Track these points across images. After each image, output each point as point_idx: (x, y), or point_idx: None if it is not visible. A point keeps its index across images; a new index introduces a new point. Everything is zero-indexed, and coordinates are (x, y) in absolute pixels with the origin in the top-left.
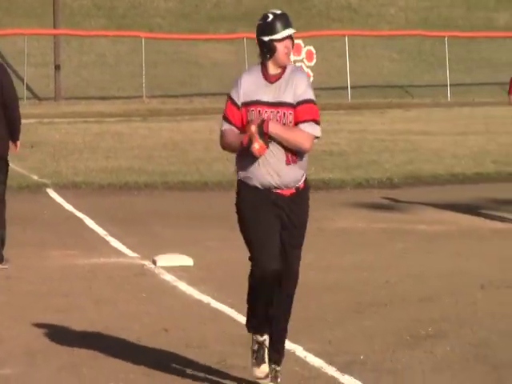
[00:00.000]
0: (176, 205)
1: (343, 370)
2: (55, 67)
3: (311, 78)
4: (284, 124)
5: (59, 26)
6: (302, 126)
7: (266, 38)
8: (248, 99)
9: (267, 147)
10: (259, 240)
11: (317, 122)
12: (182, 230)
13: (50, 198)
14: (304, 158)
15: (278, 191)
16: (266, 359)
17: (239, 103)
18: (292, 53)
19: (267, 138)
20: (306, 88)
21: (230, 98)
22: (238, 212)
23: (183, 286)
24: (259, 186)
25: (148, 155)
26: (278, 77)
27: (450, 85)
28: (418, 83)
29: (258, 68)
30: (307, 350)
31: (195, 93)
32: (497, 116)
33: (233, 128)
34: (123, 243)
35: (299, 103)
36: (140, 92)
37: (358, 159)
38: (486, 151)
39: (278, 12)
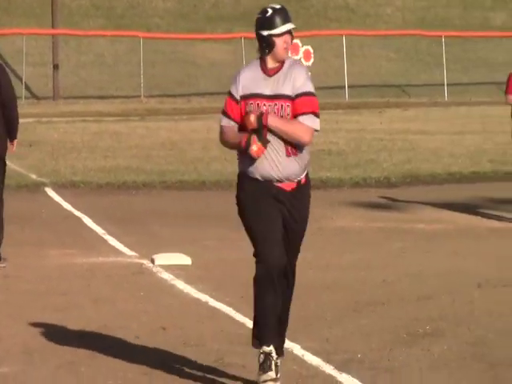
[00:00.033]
0: (174, 204)
1: (341, 368)
2: (53, 67)
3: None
4: (282, 116)
5: (58, 26)
6: (301, 118)
7: (265, 33)
8: (247, 92)
9: (265, 148)
10: (262, 235)
11: (316, 115)
12: (180, 229)
13: (49, 197)
14: (304, 151)
15: (279, 185)
16: (273, 367)
17: (238, 97)
18: (290, 52)
19: (266, 131)
20: (305, 81)
21: (230, 94)
22: (239, 204)
23: (181, 285)
24: (260, 179)
25: (146, 154)
26: (277, 70)
27: (447, 84)
28: (415, 83)
29: (257, 62)
30: (305, 348)
31: (193, 92)
32: (493, 115)
33: (231, 124)
34: (121, 242)
35: (298, 95)
36: (138, 92)
37: (356, 158)
38: (483, 150)
39: (278, 6)
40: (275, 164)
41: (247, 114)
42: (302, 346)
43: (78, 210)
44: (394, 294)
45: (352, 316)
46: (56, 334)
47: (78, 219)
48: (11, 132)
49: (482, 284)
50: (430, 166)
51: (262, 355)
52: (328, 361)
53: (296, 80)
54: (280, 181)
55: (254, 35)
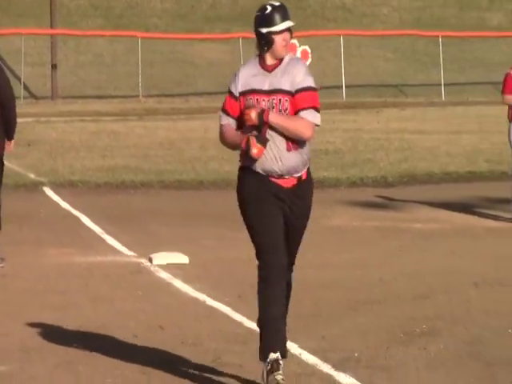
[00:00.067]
0: (172, 203)
1: (338, 367)
2: (52, 66)
3: None
4: (280, 110)
5: (56, 26)
6: (302, 113)
7: (264, 30)
8: (246, 88)
9: (265, 147)
10: (265, 242)
11: (317, 110)
12: (178, 228)
13: (47, 196)
14: (305, 146)
15: (280, 183)
16: (281, 370)
17: (237, 94)
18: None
19: (266, 128)
20: (305, 76)
21: (229, 92)
22: (241, 203)
23: (179, 284)
24: (262, 172)
25: (144, 154)
26: (275, 66)
27: (444, 84)
28: (412, 82)
29: (256, 60)
30: (302, 347)
31: (191, 92)
32: (490, 115)
33: (231, 121)
34: (119, 241)
35: (298, 91)
36: (136, 91)
37: (353, 158)
38: (480, 150)
39: (277, 4)
40: (276, 159)
41: (248, 108)
42: (299, 345)
43: (76, 210)
44: (391, 293)
45: (349, 314)
46: (54, 332)
47: (76, 218)
48: (9, 132)
49: (479, 283)
50: (427, 166)
51: (269, 364)
52: (325, 359)
53: (296, 76)
54: (281, 175)
55: (251, 35)
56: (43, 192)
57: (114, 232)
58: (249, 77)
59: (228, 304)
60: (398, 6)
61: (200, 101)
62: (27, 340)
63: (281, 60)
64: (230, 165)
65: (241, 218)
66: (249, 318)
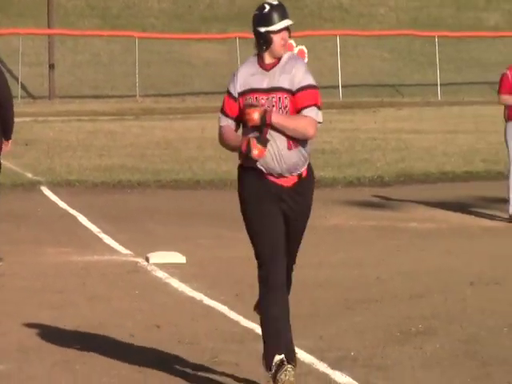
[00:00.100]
0: (169, 203)
1: (334, 366)
2: (49, 66)
3: None
4: (280, 108)
5: (54, 26)
6: (304, 112)
7: (263, 30)
8: (245, 88)
9: (266, 148)
10: (266, 249)
11: (318, 107)
12: (175, 227)
13: (44, 195)
14: (306, 143)
15: (280, 182)
16: (289, 370)
17: (236, 95)
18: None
19: (268, 129)
20: (305, 74)
21: (228, 92)
22: (241, 201)
23: (176, 283)
24: (263, 170)
25: (141, 154)
26: (274, 64)
27: (440, 84)
28: (409, 82)
29: (254, 59)
30: (299, 346)
31: (188, 92)
32: (486, 115)
33: (230, 122)
34: (116, 240)
35: (299, 90)
36: (133, 91)
37: (349, 157)
38: (476, 150)
39: (275, 3)
40: (277, 158)
41: (249, 107)
42: (295, 344)
43: (74, 209)
44: (388, 292)
45: (345, 314)
46: (51, 331)
47: (74, 218)
48: (6, 132)
49: (475, 282)
50: (424, 165)
51: (274, 367)
52: (322, 358)
53: (295, 75)
54: (281, 174)
55: (248, 35)
56: (40, 191)
57: (111, 231)
58: (247, 76)
59: (225, 303)
60: (394, 5)
61: (197, 100)
62: (25, 340)
63: (279, 59)
64: (227, 164)
65: (237, 218)
66: (245, 317)
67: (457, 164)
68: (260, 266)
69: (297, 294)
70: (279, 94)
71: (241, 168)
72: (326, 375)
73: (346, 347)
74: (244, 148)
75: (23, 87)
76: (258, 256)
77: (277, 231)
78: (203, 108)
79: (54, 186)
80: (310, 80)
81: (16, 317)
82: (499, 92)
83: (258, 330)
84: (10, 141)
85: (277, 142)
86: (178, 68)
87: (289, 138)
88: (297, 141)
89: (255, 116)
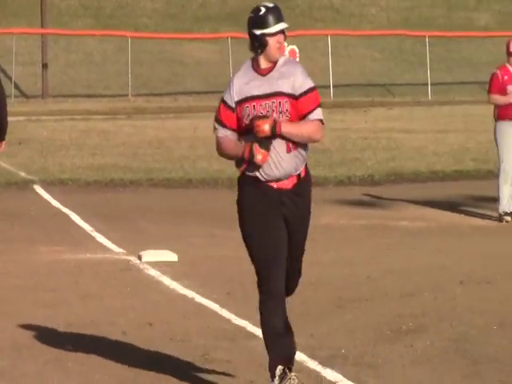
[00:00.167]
0: (160, 201)
1: (325, 363)
2: (43, 66)
3: None
4: (280, 113)
5: (47, 26)
6: (310, 116)
7: (258, 32)
8: (241, 97)
9: (269, 151)
10: (265, 263)
11: (320, 106)
12: (167, 226)
13: (38, 194)
14: (306, 144)
15: (280, 186)
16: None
17: (233, 105)
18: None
19: (275, 138)
20: (304, 78)
21: (223, 101)
22: (241, 214)
23: (168, 281)
24: (261, 178)
25: (133, 153)
26: (270, 69)
27: (431, 84)
28: (400, 82)
29: (249, 64)
30: None
31: (180, 91)
32: (476, 114)
33: (229, 134)
34: (109, 239)
35: (302, 94)
36: (126, 90)
37: (340, 157)
38: (466, 149)
39: (271, 5)
40: (276, 164)
41: (258, 119)
42: None
43: (67, 207)
44: (378, 291)
45: (336, 312)
46: (44, 329)
47: (67, 216)
48: (0, 132)
49: (465, 281)
50: (414, 165)
51: (277, 379)
52: (312, 356)
53: (295, 80)
54: (281, 178)
55: (240, 35)
56: (34, 190)
57: (104, 230)
58: (243, 85)
59: (216, 301)
60: (386, 6)
61: (189, 100)
62: (18, 337)
63: (275, 63)
64: (219, 163)
65: (229, 216)
66: (237, 314)
67: (447, 163)
68: (259, 274)
69: None
70: (279, 99)
71: (240, 179)
72: (317, 373)
73: (337, 345)
74: (247, 154)
75: (16, 86)
76: (256, 265)
77: (279, 243)
78: (195, 107)
79: (47, 185)
80: (310, 83)
81: (9, 315)
82: (489, 91)
83: (250, 327)
84: (4, 142)
85: (275, 146)
86: (170, 67)
87: (288, 141)
88: (297, 143)
89: (266, 128)
